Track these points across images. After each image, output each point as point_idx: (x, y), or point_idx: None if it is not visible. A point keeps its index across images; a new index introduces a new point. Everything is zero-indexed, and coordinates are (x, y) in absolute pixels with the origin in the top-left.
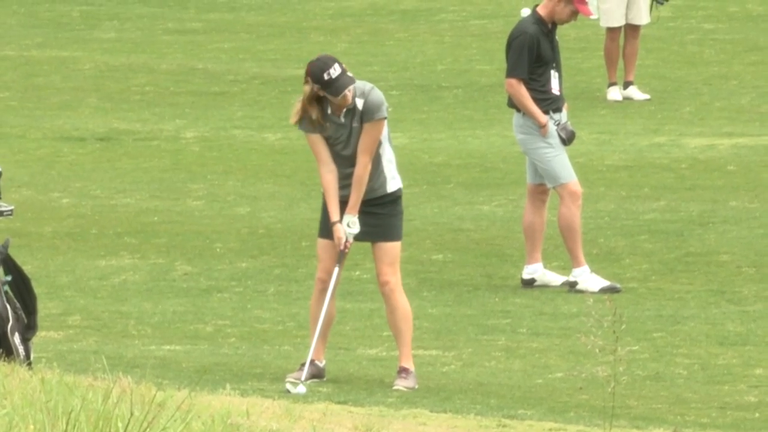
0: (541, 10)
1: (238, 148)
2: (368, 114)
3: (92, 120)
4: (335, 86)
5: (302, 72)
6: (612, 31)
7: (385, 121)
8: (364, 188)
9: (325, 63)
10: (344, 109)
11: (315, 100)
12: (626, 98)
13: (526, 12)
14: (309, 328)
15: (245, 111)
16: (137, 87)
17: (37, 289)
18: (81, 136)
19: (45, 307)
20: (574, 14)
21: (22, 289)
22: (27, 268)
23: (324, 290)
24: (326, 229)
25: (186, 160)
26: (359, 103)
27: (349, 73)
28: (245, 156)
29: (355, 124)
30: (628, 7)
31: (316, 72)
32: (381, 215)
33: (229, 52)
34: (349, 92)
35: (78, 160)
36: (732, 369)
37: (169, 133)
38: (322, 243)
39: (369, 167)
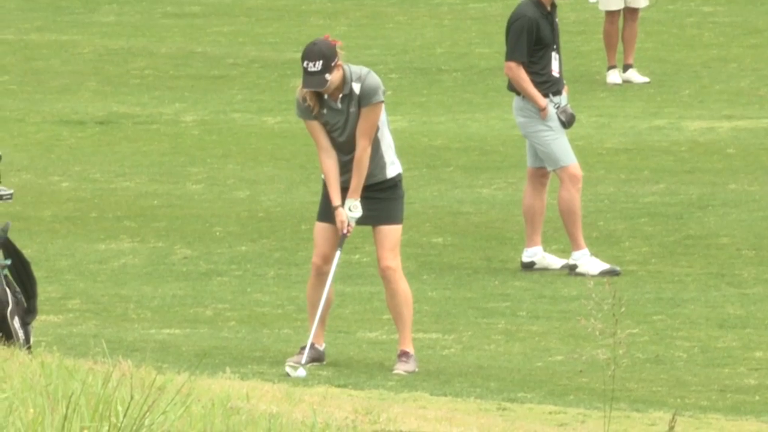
0: None
1: (238, 132)
2: (365, 98)
3: (92, 104)
4: (306, 79)
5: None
6: (611, 14)
7: (383, 106)
8: (365, 172)
9: (312, 53)
10: (340, 95)
11: None
12: (626, 81)
13: None
14: (308, 312)
15: (244, 94)
16: (136, 70)
17: (37, 272)
18: (80, 119)
19: (45, 291)
20: None
21: (22, 273)
22: (27, 252)
23: (319, 275)
24: (324, 213)
25: (185, 144)
26: (356, 88)
27: (328, 76)
28: (245, 139)
29: (353, 109)
30: None
31: (302, 55)
32: (381, 199)
33: (228, 35)
34: (310, 93)
35: (77, 144)
36: (732, 352)
37: (169, 117)
38: (319, 226)
39: (368, 151)
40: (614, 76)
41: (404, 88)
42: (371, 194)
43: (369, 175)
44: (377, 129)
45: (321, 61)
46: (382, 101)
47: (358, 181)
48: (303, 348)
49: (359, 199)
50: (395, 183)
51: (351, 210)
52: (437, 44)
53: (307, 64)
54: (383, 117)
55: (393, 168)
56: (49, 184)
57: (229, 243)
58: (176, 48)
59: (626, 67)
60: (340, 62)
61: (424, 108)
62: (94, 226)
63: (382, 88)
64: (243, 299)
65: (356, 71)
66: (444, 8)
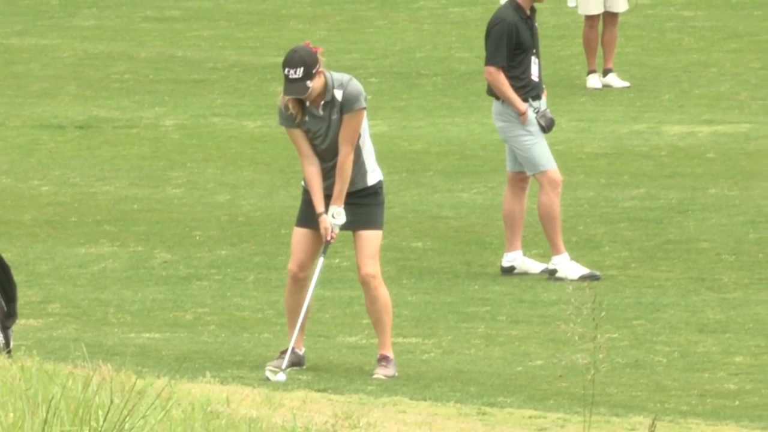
0: None
1: (218, 136)
2: (348, 105)
3: (72, 108)
4: (288, 87)
5: (281, 60)
6: (590, 19)
7: (365, 113)
8: (348, 178)
9: (293, 61)
10: (322, 102)
11: None
12: (606, 86)
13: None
14: (287, 318)
15: (225, 99)
16: (117, 75)
17: (17, 276)
18: (60, 123)
19: (25, 295)
20: None
21: (2, 277)
22: (6, 256)
23: (295, 281)
24: (304, 219)
25: (165, 148)
26: (338, 95)
27: (309, 83)
28: (225, 144)
29: (334, 116)
30: None
31: (283, 62)
32: (362, 205)
33: (208, 39)
34: (292, 100)
35: (57, 148)
36: (712, 356)
37: (149, 121)
38: (297, 232)
39: (351, 157)
40: (594, 81)
41: (384, 93)
42: (352, 200)
43: (350, 183)
44: (359, 136)
45: (302, 68)
46: (365, 108)
47: (341, 188)
48: (283, 352)
49: (343, 206)
50: (376, 190)
51: (335, 217)
52: (417, 48)
53: (288, 72)
54: (365, 124)
55: (374, 175)
56: (29, 188)
57: (209, 247)
58: (156, 52)
59: (606, 72)
60: (321, 69)
61: (404, 112)
62: (74, 230)
63: (364, 94)
64: (223, 303)
65: (338, 78)
66: (424, 12)
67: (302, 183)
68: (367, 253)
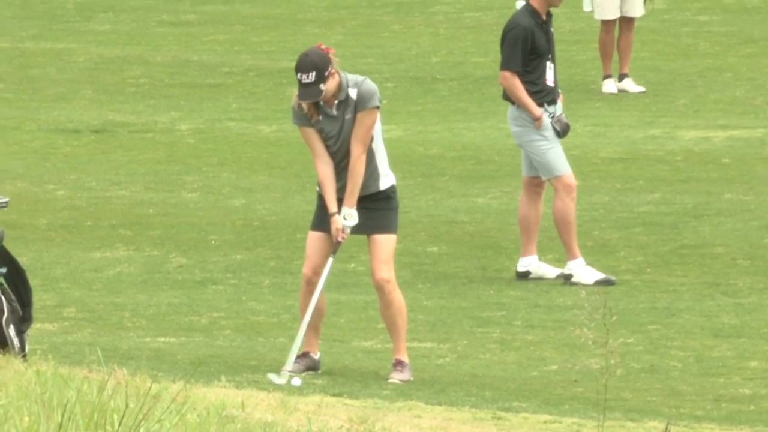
0: (534, 1)
1: (233, 140)
2: (362, 103)
3: (87, 112)
4: (301, 91)
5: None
6: (606, 24)
7: (378, 113)
8: (360, 179)
9: (305, 65)
10: (336, 101)
11: None
12: (621, 90)
13: (520, 4)
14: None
15: (240, 103)
16: (132, 79)
17: (32, 281)
18: (76, 128)
19: (40, 299)
20: None
21: (17, 281)
22: (22, 260)
23: (309, 284)
24: (319, 223)
25: (181, 152)
26: (353, 93)
27: (323, 86)
28: (240, 148)
29: (348, 116)
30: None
31: (296, 66)
32: (376, 209)
33: (223, 44)
34: (306, 104)
35: (73, 152)
36: (726, 361)
37: (164, 125)
38: (312, 236)
39: (363, 158)
40: (610, 86)
41: (399, 97)
42: (365, 205)
43: (363, 187)
44: (372, 139)
45: (314, 72)
46: (378, 107)
47: (352, 188)
48: (299, 357)
49: (355, 207)
50: (388, 194)
51: (346, 218)
52: (432, 53)
53: (301, 76)
54: (378, 128)
55: (386, 180)
56: (44, 193)
57: (224, 251)
58: (172, 56)
59: (622, 77)
60: (334, 70)
61: (420, 117)
62: (90, 234)
63: (379, 95)
64: (238, 308)
65: (352, 78)
66: (439, 17)
67: (317, 187)
68: (381, 258)
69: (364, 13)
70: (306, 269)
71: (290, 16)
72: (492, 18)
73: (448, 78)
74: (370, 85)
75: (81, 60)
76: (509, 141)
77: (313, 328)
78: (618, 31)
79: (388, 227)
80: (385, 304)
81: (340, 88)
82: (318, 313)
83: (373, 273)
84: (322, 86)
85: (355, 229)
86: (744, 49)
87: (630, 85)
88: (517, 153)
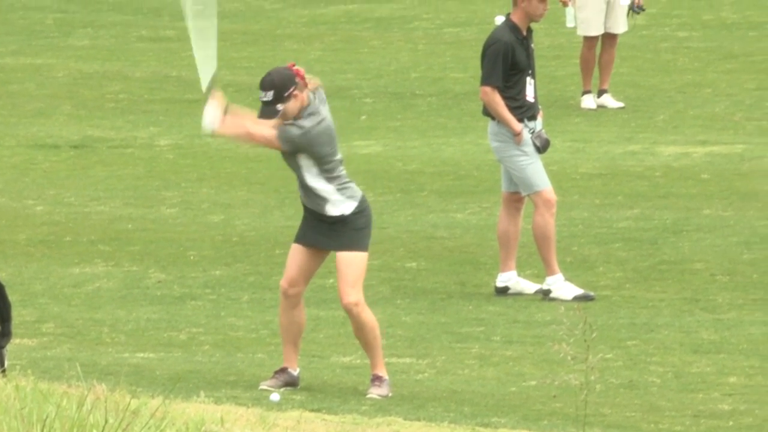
0: (514, 17)
1: (212, 156)
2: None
3: (66, 127)
4: (260, 109)
5: None
6: (589, 40)
7: (283, 149)
8: (245, 123)
9: (264, 83)
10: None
11: None
12: (600, 106)
13: (500, 20)
14: (282, 336)
15: None
16: (111, 94)
17: (12, 296)
18: (55, 143)
19: (19, 315)
20: (546, 6)
21: None
22: (1, 276)
23: (286, 297)
24: (301, 236)
25: (160, 168)
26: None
27: (280, 106)
28: (219, 164)
29: None
30: (606, 15)
31: (260, 82)
32: (338, 230)
33: None
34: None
35: (52, 168)
36: (706, 377)
37: (143, 141)
38: (293, 248)
39: (252, 135)
40: (589, 101)
41: (378, 113)
42: (330, 225)
43: (315, 206)
44: (301, 174)
45: (272, 92)
46: (283, 147)
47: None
48: (277, 372)
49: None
50: (345, 219)
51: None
52: (412, 69)
53: (260, 94)
54: (311, 166)
55: (336, 207)
56: (23, 208)
57: (203, 267)
58: (151, 72)
59: (601, 92)
60: (296, 92)
61: (399, 132)
62: (69, 249)
63: (292, 140)
64: (217, 323)
65: (311, 109)
66: (419, 33)
67: (302, 200)
68: (347, 280)
69: (343, 28)
70: (283, 282)
71: (269, 32)
72: (471, 34)
73: (427, 93)
74: (294, 131)
75: (60, 75)
76: (488, 156)
77: (293, 343)
78: (600, 47)
79: (350, 245)
80: (356, 326)
81: (301, 114)
82: (297, 328)
83: (340, 297)
84: (279, 106)
85: (324, 245)
86: (723, 64)
87: (609, 100)
88: (497, 168)
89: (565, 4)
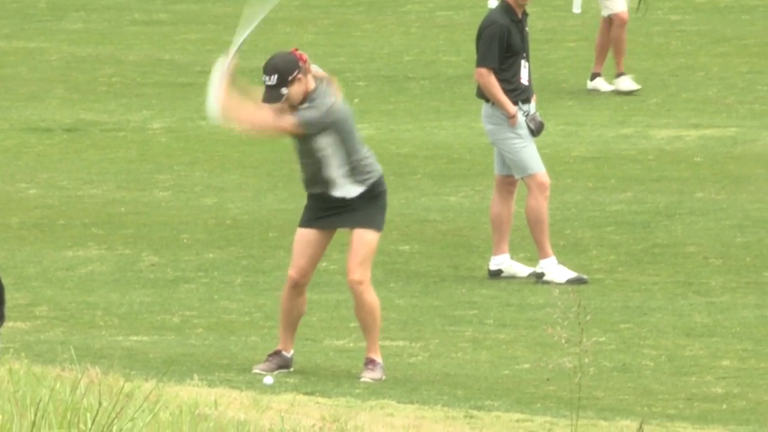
0: None
1: (205, 139)
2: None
3: (59, 111)
4: (264, 93)
5: None
6: (620, 18)
7: (300, 131)
8: (256, 119)
9: (267, 67)
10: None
11: None
12: (593, 90)
13: (493, 3)
14: (277, 319)
15: None
16: (104, 78)
17: (5, 279)
18: (48, 127)
19: (12, 298)
20: None
21: None
22: None
23: (294, 287)
24: (308, 219)
25: (153, 151)
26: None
27: (284, 89)
28: (212, 147)
29: None
30: None
31: (262, 68)
32: (357, 209)
33: (195, 43)
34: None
35: (45, 151)
36: (699, 360)
37: (136, 124)
38: (300, 233)
39: (266, 127)
40: (627, 83)
41: (371, 96)
42: (346, 202)
43: (331, 189)
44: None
45: (276, 75)
46: (302, 127)
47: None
48: (270, 355)
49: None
50: (363, 196)
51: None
52: (404, 52)
53: (264, 78)
54: (331, 140)
55: (347, 190)
56: (16, 191)
57: (196, 250)
58: (144, 55)
59: (594, 76)
60: (300, 75)
61: (392, 116)
62: (62, 233)
63: (312, 120)
64: (210, 306)
65: (318, 93)
66: (411, 16)
67: (305, 186)
68: (357, 258)
69: (335, 12)
70: (292, 271)
71: None
72: (464, 17)
73: (420, 77)
74: (314, 112)
75: (53, 59)
76: (481, 140)
77: (291, 327)
78: (599, 29)
79: (368, 223)
80: (357, 304)
81: (306, 96)
82: (299, 314)
83: (347, 272)
84: (283, 90)
85: (340, 223)
86: (716, 48)
87: (602, 84)
88: (489, 152)
89: None
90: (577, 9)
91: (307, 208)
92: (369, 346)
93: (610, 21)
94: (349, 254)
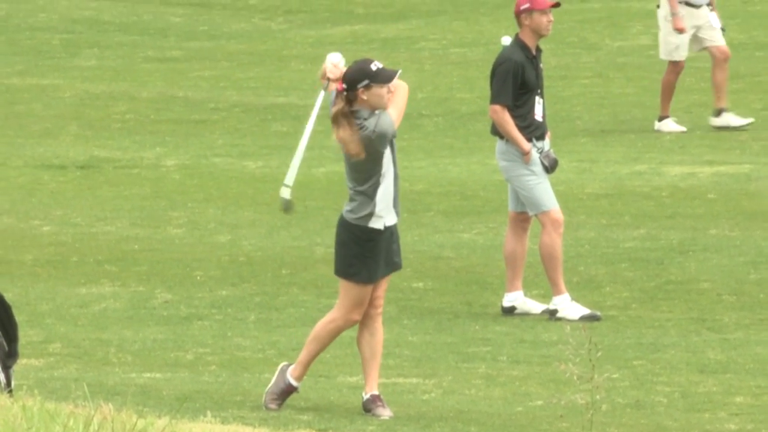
0: (523, 36)
1: (219, 176)
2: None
3: (73, 148)
4: (387, 73)
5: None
6: (676, 65)
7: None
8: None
9: (364, 61)
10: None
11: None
12: (723, 127)
13: (506, 40)
14: (290, 357)
15: (225, 139)
16: (118, 115)
17: (18, 316)
18: (62, 163)
19: (26, 335)
20: (549, 17)
21: (3, 316)
22: (8, 296)
23: (365, 320)
24: (381, 270)
25: (166, 188)
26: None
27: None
28: (226, 184)
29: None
30: (694, 40)
31: (360, 69)
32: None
33: (209, 80)
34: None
35: (59, 188)
36: (712, 397)
37: (150, 161)
38: (369, 289)
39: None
40: (671, 125)
41: None
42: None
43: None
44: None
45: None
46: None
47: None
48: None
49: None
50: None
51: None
52: (418, 89)
53: (374, 65)
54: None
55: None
56: (30, 228)
57: (209, 287)
58: (157, 92)
59: (720, 111)
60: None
61: (405, 152)
62: (75, 270)
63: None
64: (224, 343)
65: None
66: (425, 53)
67: (395, 212)
68: (383, 293)
69: (349, 49)
70: (358, 315)
71: (276, 52)
72: (477, 54)
73: (433, 114)
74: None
75: (67, 96)
76: (495, 176)
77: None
78: (713, 65)
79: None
80: (371, 331)
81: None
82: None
83: (375, 301)
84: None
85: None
86: (730, 85)
87: (733, 118)
88: (503, 188)
89: (681, 32)
90: (665, 55)
91: (379, 256)
92: (375, 382)
93: (723, 54)
94: (380, 289)
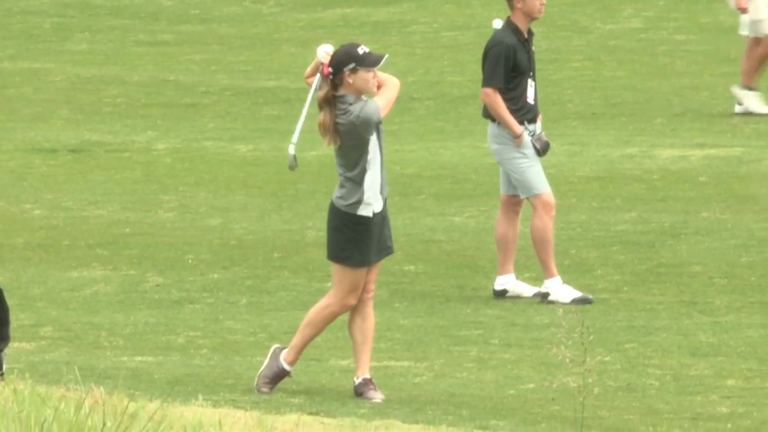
0: (515, 19)
1: (210, 160)
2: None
3: (64, 132)
4: (373, 57)
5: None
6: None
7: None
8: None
9: (351, 45)
10: None
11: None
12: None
13: (498, 23)
14: (282, 340)
15: (217, 122)
16: (109, 99)
17: (9, 300)
18: (53, 147)
19: (17, 319)
20: (542, 0)
21: None
22: None
23: (357, 305)
24: (373, 254)
25: (157, 172)
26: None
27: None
28: (217, 167)
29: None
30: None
31: (346, 52)
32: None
33: (200, 63)
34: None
35: (50, 172)
36: (704, 380)
37: (141, 145)
38: (363, 272)
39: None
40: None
41: None
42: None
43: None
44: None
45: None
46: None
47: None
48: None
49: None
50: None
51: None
52: (409, 73)
53: (361, 49)
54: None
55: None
56: (21, 212)
57: (201, 271)
58: (148, 76)
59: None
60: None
61: (397, 136)
62: (67, 253)
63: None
64: (215, 327)
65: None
66: (416, 37)
67: (381, 198)
68: (374, 277)
69: (340, 32)
70: (353, 300)
71: (267, 36)
72: (469, 37)
73: (424, 97)
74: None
75: (58, 80)
76: (486, 160)
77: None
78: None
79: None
80: (363, 316)
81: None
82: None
83: (367, 285)
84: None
85: (386, 252)
86: (721, 68)
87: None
88: (494, 172)
89: (744, 11)
90: (744, 31)
91: (373, 241)
92: (367, 366)
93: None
94: (371, 274)
